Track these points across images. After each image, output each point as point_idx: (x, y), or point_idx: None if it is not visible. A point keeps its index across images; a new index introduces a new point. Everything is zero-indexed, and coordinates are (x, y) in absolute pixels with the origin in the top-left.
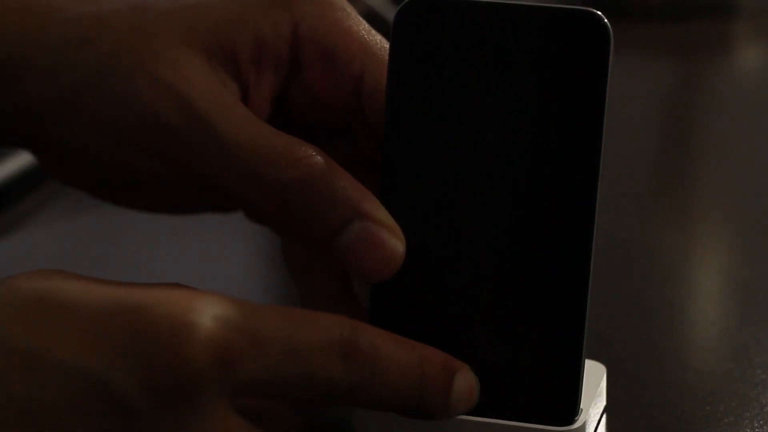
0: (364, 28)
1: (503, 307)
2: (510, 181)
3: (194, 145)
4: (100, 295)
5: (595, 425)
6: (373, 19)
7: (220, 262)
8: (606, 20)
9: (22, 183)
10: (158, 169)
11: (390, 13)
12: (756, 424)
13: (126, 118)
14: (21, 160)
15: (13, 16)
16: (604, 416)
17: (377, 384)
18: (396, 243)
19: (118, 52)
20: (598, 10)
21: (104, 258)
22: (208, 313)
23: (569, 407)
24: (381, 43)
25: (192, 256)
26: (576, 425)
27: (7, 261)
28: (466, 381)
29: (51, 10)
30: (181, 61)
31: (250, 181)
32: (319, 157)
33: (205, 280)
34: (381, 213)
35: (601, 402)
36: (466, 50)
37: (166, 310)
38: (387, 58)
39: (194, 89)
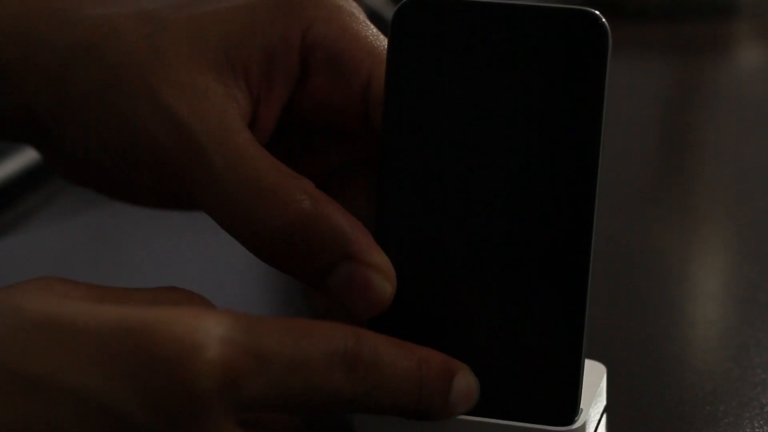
0: (372, 32)
1: (503, 308)
2: (509, 179)
3: (190, 178)
4: (103, 316)
5: (595, 425)
6: (373, 19)
7: (221, 261)
8: (604, 20)
9: (22, 182)
10: (158, 184)
11: (390, 13)
12: (756, 424)
13: (126, 137)
14: (21, 160)
15: (16, 15)
16: (604, 416)
17: (379, 391)
18: (384, 285)
19: (125, 66)
20: (597, 9)
21: (104, 258)
22: (212, 333)
23: (569, 407)
24: None
25: (192, 256)
26: (576, 425)
27: (7, 261)
28: (465, 381)
29: (55, 11)
30: (187, 83)
31: (239, 225)
32: (307, 202)
33: (205, 280)
34: (371, 254)
35: (601, 402)
36: (464, 50)
37: (170, 331)
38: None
39: (196, 118)
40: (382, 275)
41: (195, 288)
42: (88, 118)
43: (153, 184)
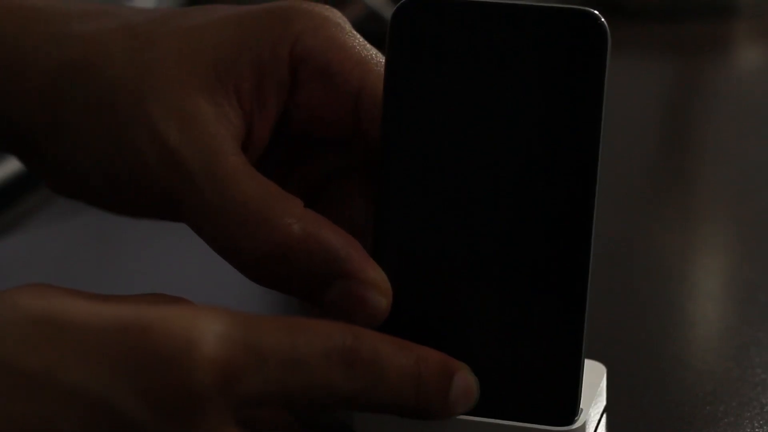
0: (359, 42)
1: (503, 308)
2: (508, 180)
3: (179, 201)
4: (101, 314)
5: (595, 425)
6: (373, 19)
7: (221, 262)
8: (603, 20)
9: (22, 182)
10: (149, 204)
11: (390, 13)
12: (756, 424)
13: (117, 159)
14: None
15: (5, 33)
16: (604, 416)
17: (377, 389)
18: (379, 300)
19: (117, 90)
20: (596, 9)
21: (104, 258)
22: (209, 330)
23: (569, 407)
24: (377, 57)
25: (192, 256)
26: (576, 425)
27: (7, 261)
28: (464, 381)
29: (43, 24)
30: (177, 106)
31: (228, 250)
32: (295, 225)
33: (205, 280)
34: (365, 271)
35: (601, 402)
36: (463, 51)
37: (168, 328)
38: (383, 72)
39: (185, 142)
40: (377, 291)
41: (195, 288)
42: (80, 138)
43: (144, 203)
